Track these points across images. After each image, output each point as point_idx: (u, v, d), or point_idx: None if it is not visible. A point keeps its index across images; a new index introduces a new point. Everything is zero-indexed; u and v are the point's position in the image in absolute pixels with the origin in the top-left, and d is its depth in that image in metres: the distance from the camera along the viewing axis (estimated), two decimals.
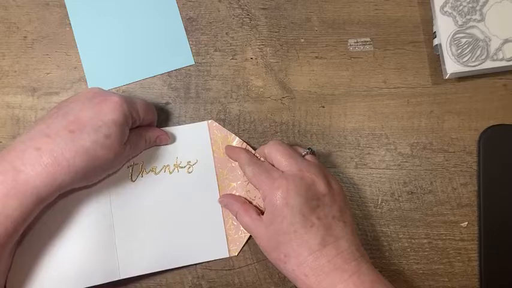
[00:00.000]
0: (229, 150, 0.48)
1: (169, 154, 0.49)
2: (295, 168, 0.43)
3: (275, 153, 0.44)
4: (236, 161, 0.48)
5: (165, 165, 0.49)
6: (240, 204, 0.46)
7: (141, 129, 0.47)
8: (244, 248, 0.49)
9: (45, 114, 0.43)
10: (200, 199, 0.49)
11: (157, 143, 0.48)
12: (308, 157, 0.45)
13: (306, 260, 0.40)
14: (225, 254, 0.48)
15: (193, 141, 0.50)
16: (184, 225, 0.48)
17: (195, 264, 0.48)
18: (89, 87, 0.51)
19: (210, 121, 0.50)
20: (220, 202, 0.48)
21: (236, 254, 0.48)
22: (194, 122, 0.50)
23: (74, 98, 0.43)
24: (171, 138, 0.49)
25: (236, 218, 0.46)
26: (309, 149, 0.46)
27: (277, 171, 0.44)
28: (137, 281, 0.48)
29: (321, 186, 0.42)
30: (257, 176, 0.44)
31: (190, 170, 0.49)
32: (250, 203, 0.47)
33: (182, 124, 0.50)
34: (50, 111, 0.43)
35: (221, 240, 0.48)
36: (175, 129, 0.50)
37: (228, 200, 0.47)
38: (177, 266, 0.48)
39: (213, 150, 0.49)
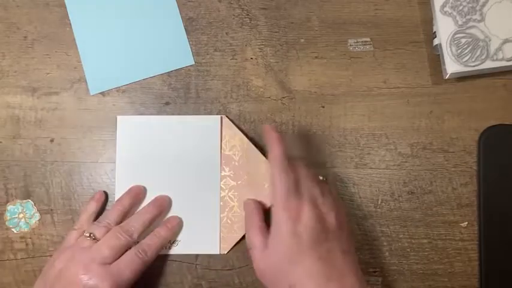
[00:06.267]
0: (269, 132, 0.44)
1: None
2: (311, 197, 0.41)
3: (299, 172, 0.43)
4: (268, 145, 0.45)
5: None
6: (258, 220, 0.44)
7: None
8: (244, 248, 0.49)
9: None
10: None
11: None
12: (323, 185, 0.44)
13: None
14: (216, 251, 0.48)
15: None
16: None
17: (193, 260, 0.48)
18: (90, 89, 0.51)
19: (223, 116, 0.50)
20: (244, 205, 0.47)
21: (226, 252, 0.48)
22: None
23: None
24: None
25: (247, 230, 0.45)
26: (323, 177, 0.45)
27: (297, 196, 0.41)
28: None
29: (332, 219, 0.41)
30: (280, 186, 0.42)
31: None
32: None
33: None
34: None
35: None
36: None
37: (251, 209, 0.46)
38: (169, 253, 0.48)
39: (220, 146, 0.49)
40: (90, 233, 0.44)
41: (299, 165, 0.44)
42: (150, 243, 0.45)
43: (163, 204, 0.48)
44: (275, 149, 0.43)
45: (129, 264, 0.43)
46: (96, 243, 0.43)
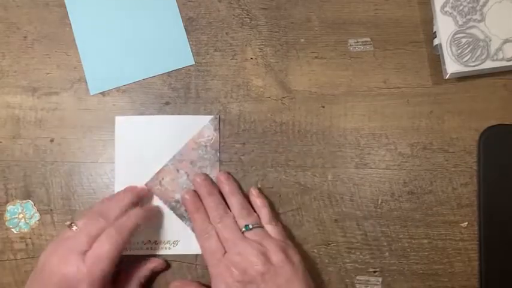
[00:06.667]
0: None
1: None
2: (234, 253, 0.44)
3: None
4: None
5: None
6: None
7: (131, 271, 0.46)
8: None
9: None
10: None
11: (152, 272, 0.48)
12: (248, 234, 0.45)
13: None
14: None
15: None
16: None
17: (193, 260, 0.48)
18: (90, 89, 0.51)
19: (215, 116, 0.50)
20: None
21: None
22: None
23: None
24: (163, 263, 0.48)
25: None
26: (246, 226, 0.45)
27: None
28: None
29: (258, 266, 0.42)
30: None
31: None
32: None
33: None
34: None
35: None
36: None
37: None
38: (169, 253, 0.48)
39: (219, 145, 0.49)
40: (71, 222, 0.44)
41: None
42: (125, 222, 0.44)
43: (139, 190, 0.48)
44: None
45: (104, 243, 0.42)
46: (76, 232, 0.43)
